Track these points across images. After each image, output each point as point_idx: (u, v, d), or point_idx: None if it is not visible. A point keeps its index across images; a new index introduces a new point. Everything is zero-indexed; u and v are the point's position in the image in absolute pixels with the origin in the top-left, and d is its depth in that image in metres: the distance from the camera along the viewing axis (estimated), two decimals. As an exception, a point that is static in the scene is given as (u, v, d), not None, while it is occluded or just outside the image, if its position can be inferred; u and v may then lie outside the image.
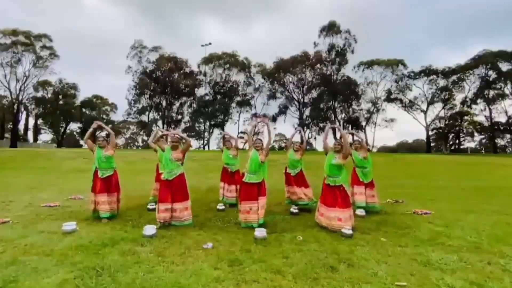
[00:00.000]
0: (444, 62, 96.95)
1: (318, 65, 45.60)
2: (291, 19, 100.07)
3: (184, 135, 4.63)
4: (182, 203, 4.31)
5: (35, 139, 50.26)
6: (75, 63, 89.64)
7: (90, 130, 5.05)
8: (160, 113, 49.72)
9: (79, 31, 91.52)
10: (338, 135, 45.64)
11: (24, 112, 46.99)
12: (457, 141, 49.36)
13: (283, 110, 48.19)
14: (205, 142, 50.15)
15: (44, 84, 46.65)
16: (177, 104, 51.07)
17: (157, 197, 5.37)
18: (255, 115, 47.78)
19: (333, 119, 46.49)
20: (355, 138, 6.01)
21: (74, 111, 49.91)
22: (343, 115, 47.98)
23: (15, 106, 42.78)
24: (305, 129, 47.30)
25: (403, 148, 65.54)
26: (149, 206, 5.56)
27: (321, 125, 47.38)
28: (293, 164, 5.85)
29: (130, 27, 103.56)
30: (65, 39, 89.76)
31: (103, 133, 5.08)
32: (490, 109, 43.38)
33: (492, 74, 41.62)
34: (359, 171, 5.54)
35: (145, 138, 58.47)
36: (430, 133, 47.77)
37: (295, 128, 48.00)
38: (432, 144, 50.56)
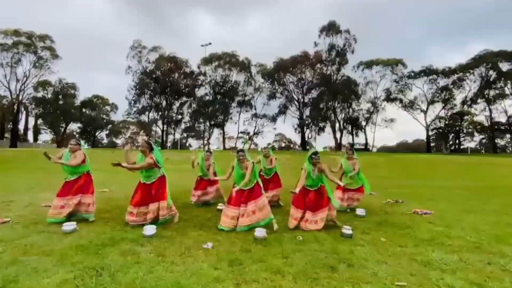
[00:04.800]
0: (444, 60, 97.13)
1: (318, 65, 45.61)
2: (290, 14, 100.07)
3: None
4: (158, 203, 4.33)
5: (35, 139, 50.28)
6: (73, 62, 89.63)
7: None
8: (160, 113, 49.72)
9: (76, 29, 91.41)
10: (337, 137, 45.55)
11: (24, 112, 47.05)
12: (457, 141, 49.39)
13: (283, 110, 48.23)
14: (205, 142, 50.16)
15: (44, 84, 46.69)
16: (177, 104, 51.13)
17: None
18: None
19: (333, 119, 46.50)
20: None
21: (74, 111, 49.92)
22: (343, 115, 48.03)
23: (15, 106, 42.82)
24: (305, 129, 47.35)
25: (403, 148, 65.56)
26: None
27: (321, 125, 47.41)
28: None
29: (124, 24, 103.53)
30: (62, 38, 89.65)
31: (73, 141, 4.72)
32: (490, 109, 43.43)
33: (493, 74, 41.62)
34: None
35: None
36: (430, 133, 47.81)
37: (295, 129, 48.14)
38: (432, 144, 50.60)
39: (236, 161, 4.49)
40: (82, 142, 4.81)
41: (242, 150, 4.49)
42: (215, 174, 6.15)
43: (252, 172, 4.37)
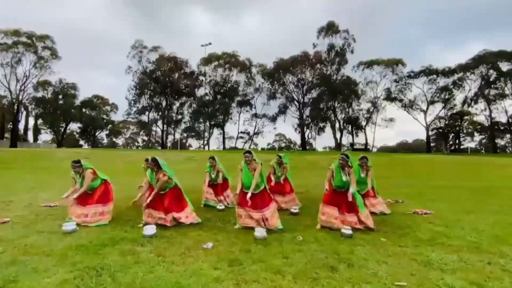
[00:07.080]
0: (444, 60, 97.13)
1: (318, 65, 45.58)
2: (290, 14, 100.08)
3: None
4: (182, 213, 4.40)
5: (35, 139, 50.28)
6: (73, 62, 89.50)
7: None
8: (160, 113, 49.71)
9: (76, 29, 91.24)
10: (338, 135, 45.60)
11: (24, 112, 47.04)
12: (457, 141, 49.35)
13: (283, 110, 48.18)
14: (205, 142, 50.15)
15: (44, 84, 46.64)
16: (177, 104, 51.13)
17: None
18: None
19: (333, 119, 46.48)
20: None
21: (74, 111, 49.89)
22: (343, 115, 47.99)
23: (15, 106, 42.77)
24: (305, 129, 47.34)
25: (403, 148, 65.60)
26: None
27: (321, 125, 47.38)
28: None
29: (124, 24, 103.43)
30: (62, 38, 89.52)
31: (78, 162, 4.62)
32: (490, 109, 43.38)
33: (493, 74, 41.61)
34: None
35: (145, 138, 58.54)
36: (430, 133, 47.76)
37: (295, 129, 47.96)
38: (432, 144, 50.56)
39: (243, 163, 4.39)
40: (82, 161, 4.62)
41: (249, 152, 4.41)
42: (226, 181, 6.33)
43: (259, 175, 4.28)
